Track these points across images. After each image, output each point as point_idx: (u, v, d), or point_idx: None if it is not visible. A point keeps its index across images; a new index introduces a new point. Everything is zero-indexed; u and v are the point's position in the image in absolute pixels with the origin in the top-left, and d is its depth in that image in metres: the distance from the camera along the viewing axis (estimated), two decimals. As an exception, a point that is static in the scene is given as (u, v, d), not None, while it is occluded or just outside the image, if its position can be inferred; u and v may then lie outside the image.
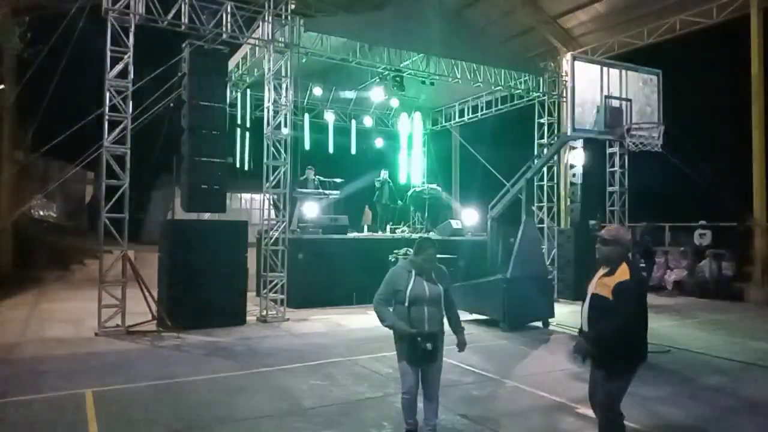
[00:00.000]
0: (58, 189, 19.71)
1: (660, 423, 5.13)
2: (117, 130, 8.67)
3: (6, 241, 15.26)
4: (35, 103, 13.51)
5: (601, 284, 3.77)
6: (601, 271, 3.85)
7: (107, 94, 8.57)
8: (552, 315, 9.94)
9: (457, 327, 4.38)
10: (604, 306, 3.68)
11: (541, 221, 13.21)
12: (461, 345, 4.33)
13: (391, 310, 4.25)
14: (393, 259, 11.45)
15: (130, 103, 8.77)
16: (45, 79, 11.62)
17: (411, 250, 4.45)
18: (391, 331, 4.25)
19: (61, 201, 22.65)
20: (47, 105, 11.75)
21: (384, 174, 15.21)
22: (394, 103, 14.41)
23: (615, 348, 3.63)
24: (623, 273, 3.67)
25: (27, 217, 17.63)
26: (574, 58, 9.52)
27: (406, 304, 4.13)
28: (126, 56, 8.67)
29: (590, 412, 5.23)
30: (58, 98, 11.71)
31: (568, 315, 10.70)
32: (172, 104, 10.00)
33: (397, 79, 12.46)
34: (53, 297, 12.23)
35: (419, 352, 4.10)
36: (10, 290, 12.50)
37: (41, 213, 20.48)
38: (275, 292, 10.04)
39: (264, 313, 9.84)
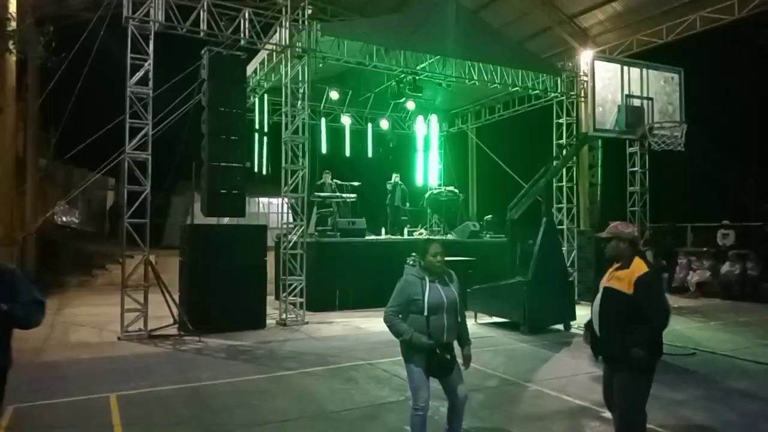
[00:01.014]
0: (81, 195, 20.03)
1: (685, 427, 5.05)
2: (138, 137, 8.78)
3: (30, 247, 15.54)
4: (58, 112, 13.77)
5: (614, 278, 3.75)
6: (613, 267, 3.85)
7: (128, 101, 8.69)
8: (573, 317, 9.83)
9: (466, 338, 4.12)
10: (622, 300, 3.63)
11: (561, 222, 13.09)
12: (467, 360, 4.09)
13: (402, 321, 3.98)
14: (411, 262, 11.42)
15: (151, 109, 8.88)
16: (67, 87, 11.83)
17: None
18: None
19: (84, 207, 23.01)
20: (70, 113, 11.97)
21: (395, 177, 15.23)
22: (411, 105, 14.39)
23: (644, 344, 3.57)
24: (640, 266, 3.64)
25: (50, 223, 17.92)
26: (594, 58, 9.43)
27: (426, 313, 3.88)
28: (146, 63, 8.79)
29: (611, 416, 5.19)
30: (80, 106, 11.92)
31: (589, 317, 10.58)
32: (191, 110, 10.11)
33: (414, 81, 12.47)
34: (76, 302, 12.41)
35: (439, 363, 3.90)
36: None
37: (64, 219, 20.83)
38: (294, 296, 10.08)
39: (284, 316, 9.88)
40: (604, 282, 3.85)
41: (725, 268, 14.03)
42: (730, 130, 14.69)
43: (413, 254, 11.48)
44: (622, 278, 3.66)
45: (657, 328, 3.59)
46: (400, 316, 4.00)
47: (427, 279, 3.98)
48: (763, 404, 5.83)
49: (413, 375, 3.98)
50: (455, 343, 4.10)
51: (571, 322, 9.75)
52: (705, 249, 14.99)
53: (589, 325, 4.01)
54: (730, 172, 12.43)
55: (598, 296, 3.87)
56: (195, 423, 5.07)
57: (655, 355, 3.65)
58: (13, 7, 10.82)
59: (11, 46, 10.39)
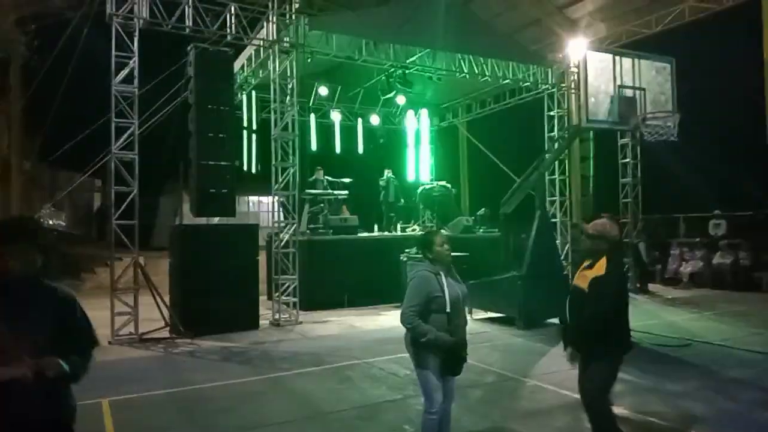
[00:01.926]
0: (67, 198, 19.74)
1: (685, 418, 5.00)
2: (124, 136, 8.62)
3: (16, 251, 15.28)
4: (42, 112, 13.54)
5: (581, 276, 3.86)
6: (583, 265, 3.93)
7: (113, 100, 8.51)
8: (569, 311, 9.77)
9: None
10: (582, 297, 3.76)
11: (554, 216, 13.05)
12: None
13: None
14: (404, 259, 11.34)
15: (137, 108, 8.71)
16: (51, 87, 11.62)
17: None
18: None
19: (70, 210, 22.68)
20: (54, 114, 11.76)
21: (388, 173, 15.12)
22: (401, 100, 14.27)
23: (597, 339, 3.70)
24: (601, 267, 3.75)
25: (37, 226, 17.66)
26: (586, 48, 9.36)
27: (448, 309, 3.63)
28: (131, 61, 8.61)
29: (615, 409, 5.12)
30: (64, 106, 11.71)
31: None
32: (178, 108, 9.95)
33: (403, 75, 12.37)
34: (66, 305, 12.19)
35: (456, 362, 3.70)
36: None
37: (50, 222, 20.53)
38: (287, 295, 9.96)
39: (277, 316, 9.75)
40: (574, 280, 3.96)
41: (717, 258, 14.07)
42: (722, 119, 14.70)
43: (407, 250, 11.42)
44: (587, 277, 3.77)
45: (593, 314, 3.64)
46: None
47: (442, 273, 3.74)
48: (761, 393, 5.80)
49: (429, 378, 3.71)
50: None
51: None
52: (697, 239, 15.03)
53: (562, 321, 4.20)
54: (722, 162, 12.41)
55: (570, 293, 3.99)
56: (189, 427, 4.97)
57: (616, 347, 3.78)
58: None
59: None
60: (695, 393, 5.69)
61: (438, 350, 3.66)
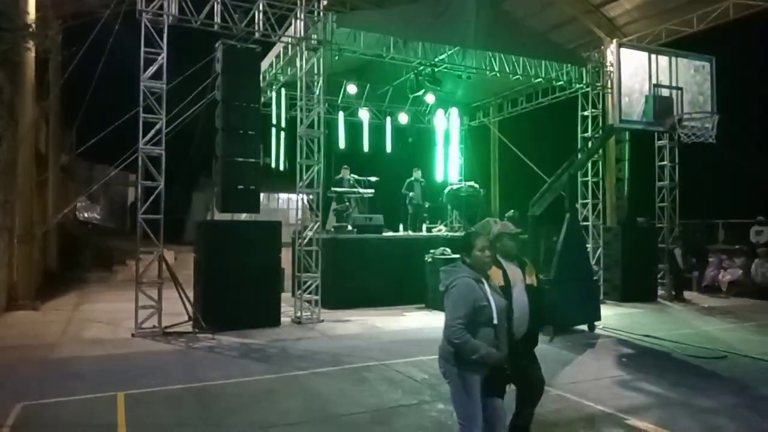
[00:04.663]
0: (102, 191, 20.24)
1: (718, 437, 4.73)
2: (152, 132, 8.71)
3: (51, 243, 15.72)
4: (79, 108, 13.85)
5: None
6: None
7: (141, 96, 8.61)
8: (598, 318, 9.46)
9: None
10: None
11: (586, 219, 12.68)
12: None
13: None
14: (429, 260, 11.18)
15: (164, 104, 8.79)
16: (87, 82, 11.86)
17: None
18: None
19: (105, 203, 23.27)
20: (90, 108, 12.01)
21: (417, 173, 14.96)
22: (430, 99, 14.08)
23: None
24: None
25: (71, 219, 18.13)
26: (619, 45, 9.00)
27: (495, 321, 3.31)
28: (160, 57, 8.70)
29: (640, 424, 4.90)
30: (101, 102, 11.95)
31: (615, 318, 10.21)
32: (206, 104, 10.00)
33: (433, 73, 12.18)
34: (95, 298, 12.47)
35: (503, 380, 3.44)
36: (55, 291, 12.82)
37: (85, 215, 21.07)
38: (309, 293, 9.91)
39: (299, 314, 9.72)
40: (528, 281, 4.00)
41: (758, 266, 13.44)
42: (765, 121, 14.05)
43: (432, 251, 11.26)
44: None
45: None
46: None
47: (484, 281, 3.40)
48: (802, 412, 5.45)
49: (474, 399, 3.34)
50: None
51: (596, 323, 9.39)
52: (737, 246, 14.39)
53: None
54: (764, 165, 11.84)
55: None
56: (200, 424, 4.93)
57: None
58: (32, 5, 10.85)
59: (29, 45, 10.40)
60: (728, 410, 5.37)
61: (483, 368, 3.34)
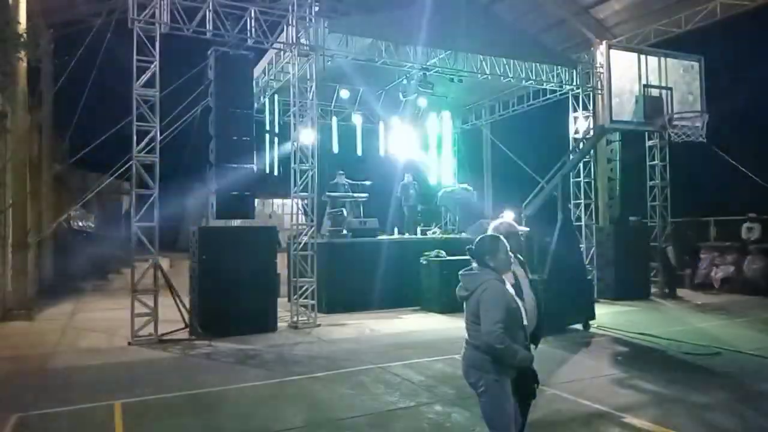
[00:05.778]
0: (96, 199, 20.16)
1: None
2: (146, 140, 8.71)
3: (46, 252, 15.66)
4: (71, 116, 13.83)
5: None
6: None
7: (135, 104, 8.62)
8: (592, 317, 9.53)
9: None
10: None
11: (579, 219, 12.76)
12: None
13: None
14: (424, 262, 11.23)
15: (158, 111, 8.80)
16: (80, 91, 11.87)
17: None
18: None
19: (99, 211, 23.19)
20: (83, 117, 12.02)
21: (408, 177, 15.02)
22: (422, 102, 14.16)
23: None
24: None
25: (66, 228, 18.06)
26: (609, 46, 9.09)
27: (525, 322, 3.30)
28: (152, 65, 8.70)
29: (636, 421, 4.95)
30: (93, 111, 11.97)
31: (609, 316, 10.28)
32: (200, 112, 10.04)
33: (425, 77, 12.26)
34: (91, 306, 12.42)
35: (535, 382, 3.46)
36: (50, 300, 12.77)
37: (80, 224, 21.00)
38: (305, 298, 9.93)
39: (295, 319, 9.73)
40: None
41: (749, 263, 13.56)
42: (754, 119, 14.19)
43: (426, 254, 11.30)
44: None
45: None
46: None
47: (507, 283, 3.35)
48: (795, 408, 5.53)
49: (507, 406, 3.24)
50: None
51: (590, 322, 9.46)
52: (729, 243, 14.52)
53: None
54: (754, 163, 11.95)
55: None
56: (200, 431, 4.94)
57: None
58: (23, 14, 10.83)
59: (21, 54, 10.38)
60: (723, 405, 5.45)
61: (512, 372, 3.27)
